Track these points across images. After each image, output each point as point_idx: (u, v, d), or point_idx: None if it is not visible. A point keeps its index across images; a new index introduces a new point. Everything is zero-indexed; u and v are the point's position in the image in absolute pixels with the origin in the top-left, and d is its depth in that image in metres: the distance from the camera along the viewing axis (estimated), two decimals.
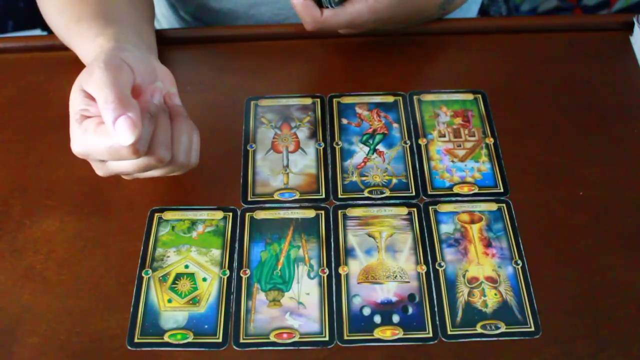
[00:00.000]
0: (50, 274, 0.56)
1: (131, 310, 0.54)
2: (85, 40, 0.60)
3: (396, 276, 0.56)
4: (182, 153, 0.54)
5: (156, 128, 0.52)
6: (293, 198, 0.61)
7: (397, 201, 0.60)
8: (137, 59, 0.54)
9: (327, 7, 0.62)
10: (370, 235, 0.58)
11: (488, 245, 0.57)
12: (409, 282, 0.55)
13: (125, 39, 0.59)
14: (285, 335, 0.53)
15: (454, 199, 0.60)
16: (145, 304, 0.54)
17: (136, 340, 0.53)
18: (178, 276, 0.56)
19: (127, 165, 0.53)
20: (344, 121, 0.66)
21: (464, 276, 0.56)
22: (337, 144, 0.64)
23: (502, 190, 0.61)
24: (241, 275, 0.56)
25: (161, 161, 0.52)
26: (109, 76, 0.50)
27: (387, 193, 0.61)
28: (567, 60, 0.72)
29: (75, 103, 0.52)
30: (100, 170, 0.55)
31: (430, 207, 0.60)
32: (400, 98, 0.68)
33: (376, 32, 0.70)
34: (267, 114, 0.67)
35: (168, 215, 0.60)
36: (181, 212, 0.60)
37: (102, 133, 0.50)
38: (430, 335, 0.53)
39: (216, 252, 0.57)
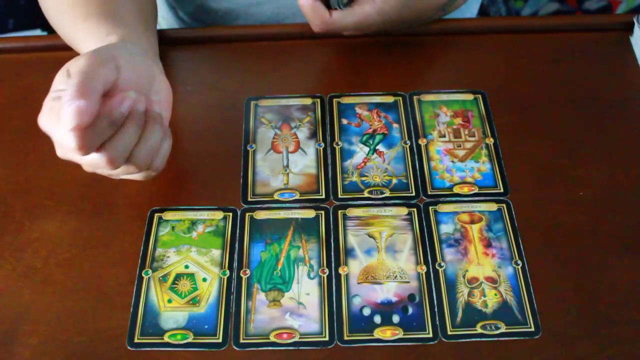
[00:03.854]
0: (50, 274, 0.56)
1: (131, 310, 0.54)
2: (94, 38, 0.60)
3: (396, 276, 0.56)
4: (143, 154, 0.53)
5: (117, 132, 0.51)
6: (293, 198, 0.61)
7: (397, 201, 0.60)
8: (133, 62, 0.53)
9: (336, 9, 0.62)
10: (370, 236, 0.58)
11: (488, 245, 0.57)
12: (409, 282, 0.55)
13: (135, 42, 0.58)
14: (285, 336, 0.53)
15: (454, 199, 0.60)
16: (145, 304, 0.54)
17: (136, 341, 0.53)
18: (178, 276, 0.56)
19: (77, 158, 0.52)
20: (344, 121, 0.66)
21: (464, 276, 0.56)
22: (337, 144, 0.64)
23: (502, 191, 0.61)
24: (241, 275, 0.56)
25: (112, 162, 0.51)
26: (88, 65, 0.49)
27: (387, 193, 0.61)
28: (567, 60, 0.72)
29: (57, 82, 0.52)
30: (59, 150, 0.54)
31: (430, 207, 0.60)
32: (400, 98, 0.68)
33: (376, 32, 0.70)
34: (267, 114, 0.67)
35: (168, 215, 0.60)
36: (181, 212, 0.60)
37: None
38: (430, 335, 0.53)
39: (216, 252, 0.57)
